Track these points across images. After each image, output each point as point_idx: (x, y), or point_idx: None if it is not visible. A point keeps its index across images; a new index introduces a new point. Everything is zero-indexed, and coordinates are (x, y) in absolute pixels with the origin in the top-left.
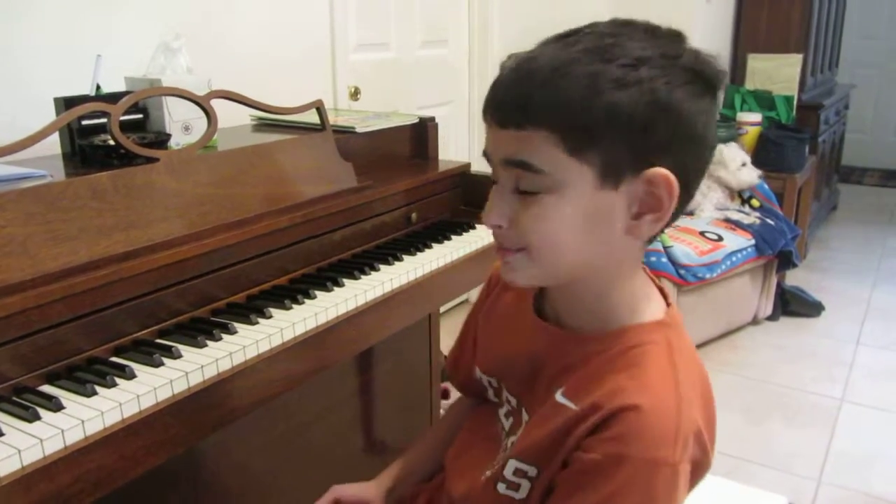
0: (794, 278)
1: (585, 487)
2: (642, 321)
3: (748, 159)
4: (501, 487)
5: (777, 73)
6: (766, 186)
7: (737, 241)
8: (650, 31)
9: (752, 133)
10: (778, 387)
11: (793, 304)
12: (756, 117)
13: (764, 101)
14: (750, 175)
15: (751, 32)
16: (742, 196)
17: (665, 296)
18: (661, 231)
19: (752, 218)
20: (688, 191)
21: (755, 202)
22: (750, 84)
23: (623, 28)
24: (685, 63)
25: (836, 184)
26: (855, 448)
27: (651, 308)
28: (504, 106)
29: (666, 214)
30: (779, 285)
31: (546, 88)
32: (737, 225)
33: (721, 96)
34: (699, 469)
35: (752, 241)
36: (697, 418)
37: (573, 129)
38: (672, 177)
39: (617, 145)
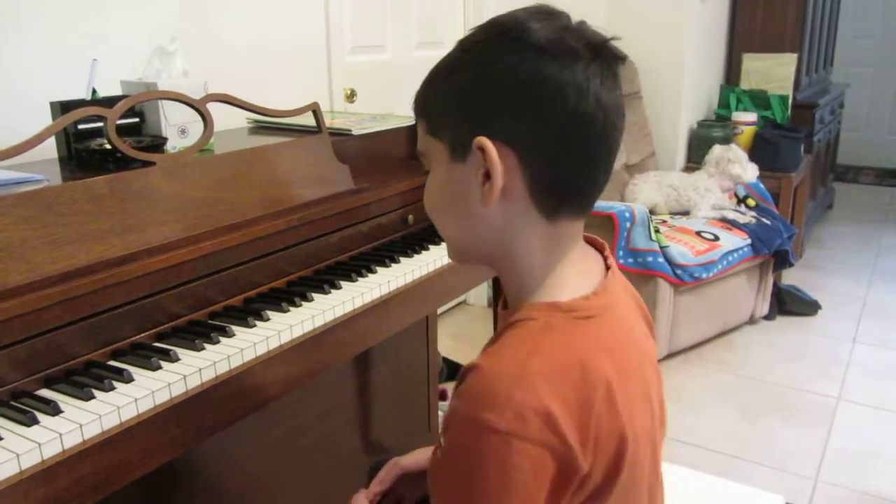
0: (790, 277)
1: (440, 444)
2: (540, 300)
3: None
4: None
5: (772, 72)
6: (761, 186)
7: (733, 241)
8: (527, 11)
9: (747, 133)
10: (775, 385)
11: (789, 303)
12: (751, 117)
13: (759, 100)
14: (754, 169)
15: (745, 32)
16: (738, 196)
17: (605, 286)
18: (547, 204)
19: (748, 217)
20: (543, 159)
21: (751, 202)
22: (745, 84)
23: (498, 16)
24: (535, 39)
25: (831, 182)
26: (852, 446)
27: (560, 291)
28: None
29: (496, 180)
30: (775, 284)
31: (422, 83)
32: (733, 224)
33: (605, 62)
34: (565, 465)
35: (749, 241)
36: (546, 399)
37: (426, 114)
38: (488, 144)
39: (455, 122)
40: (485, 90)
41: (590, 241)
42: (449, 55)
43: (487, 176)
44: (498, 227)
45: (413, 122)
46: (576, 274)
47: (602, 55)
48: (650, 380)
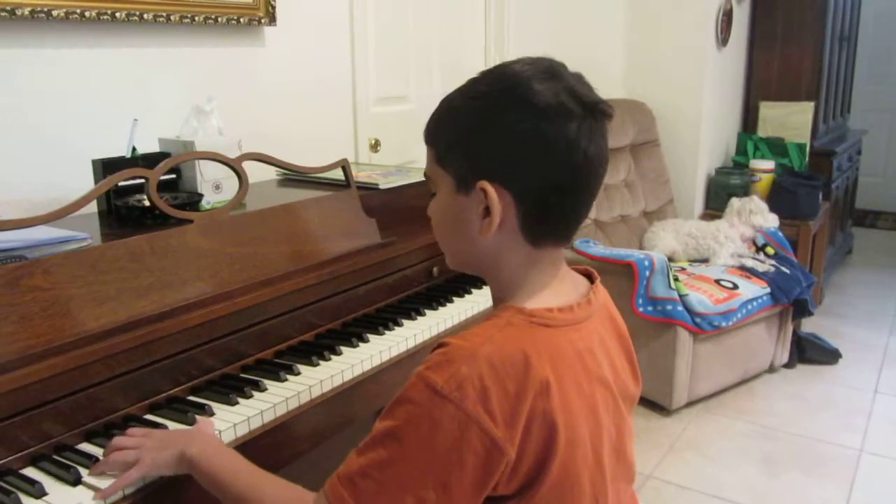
0: (810, 324)
1: None
2: (511, 304)
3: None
4: None
5: (789, 120)
6: (780, 234)
7: (752, 290)
8: (532, 66)
9: (765, 180)
10: (796, 436)
11: (809, 352)
12: (769, 164)
13: (776, 148)
14: (775, 218)
15: (763, 80)
16: (757, 244)
17: (571, 306)
18: (534, 235)
19: (766, 266)
20: (535, 202)
21: (770, 250)
22: (762, 131)
23: (504, 66)
24: (537, 101)
25: (850, 228)
26: (875, 500)
27: (528, 300)
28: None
29: (494, 219)
30: (795, 332)
31: (434, 114)
32: (752, 273)
33: (596, 121)
34: (489, 445)
35: (768, 289)
36: (487, 379)
37: (436, 146)
38: (491, 189)
39: (461, 160)
40: (486, 140)
41: (586, 273)
42: (460, 95)
43: (487, 211)
44: (490, 249)
45: None
46: (548, 290)
47: (594, 114)
48: (601, 402)
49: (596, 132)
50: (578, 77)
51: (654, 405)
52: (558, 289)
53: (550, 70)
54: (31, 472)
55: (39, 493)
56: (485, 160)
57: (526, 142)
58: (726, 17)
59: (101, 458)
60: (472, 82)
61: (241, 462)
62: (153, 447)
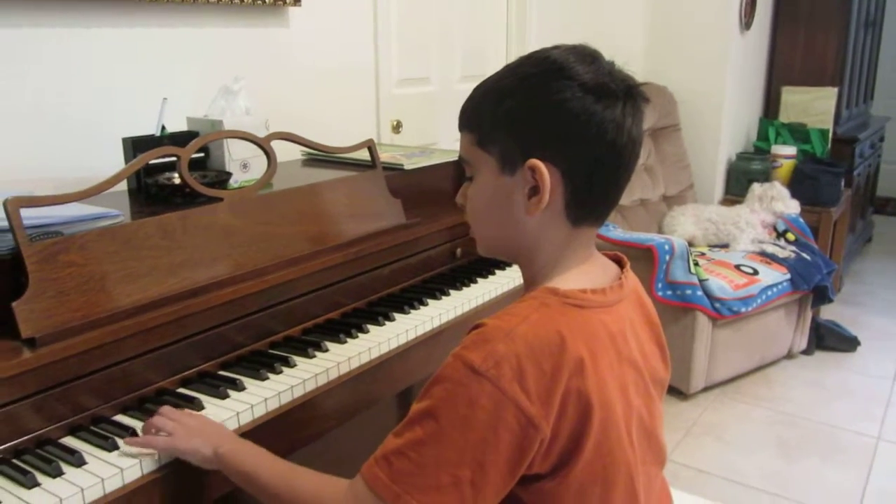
0: (829, 312)
1: None
2: (544, 285)
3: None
4: None
5: (812, 106)
6: (801, 220)
7: (772, 276)
8: (572, 52)
9: (786, 166)
10: (813, 423)
11: (828, 339)
12: (790, 150)
13: (798, 134)
14: (796, 204)
15: (785, 65)
16: (778, 230)
17: (604, 289)
18: (576, 214)
19: (787, 252)
20: (581, 180)
21: (790, 236)
22: (784, 117)
23: (545, 51)
24: (584, 80)
25: (870, 215)
26: (892, 488)
27: (561, 281)
28: (459, 116)
29: (544, 196)
30: (814, 319)
31: (470, 100)
32: (772, 259)
33: (636, 104)
34: (525, 423)
35: (788, 276)
36: (523, 358)
37: (479, 128)
38: (542, 166)
39: (508, 140)
40: (538, 118)
41: (615, 258)
42: (501, 79)
43: (534, 190)
44: (530, 231)
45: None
46: (580, 272)
47: (633, 97)
48: (632, 384)
49: (637, 115)
50: (612, 63)
51: (672, 389)
52: (590, 271)
53: (591, 55)
54: (70, 441)
55: (79, 462)
56: (535, 138)
57: (577, 119)
58: (750, 0)
59: (138, 430)
60: (515, 66)
61: (272, 457)
62: (189, 428)
